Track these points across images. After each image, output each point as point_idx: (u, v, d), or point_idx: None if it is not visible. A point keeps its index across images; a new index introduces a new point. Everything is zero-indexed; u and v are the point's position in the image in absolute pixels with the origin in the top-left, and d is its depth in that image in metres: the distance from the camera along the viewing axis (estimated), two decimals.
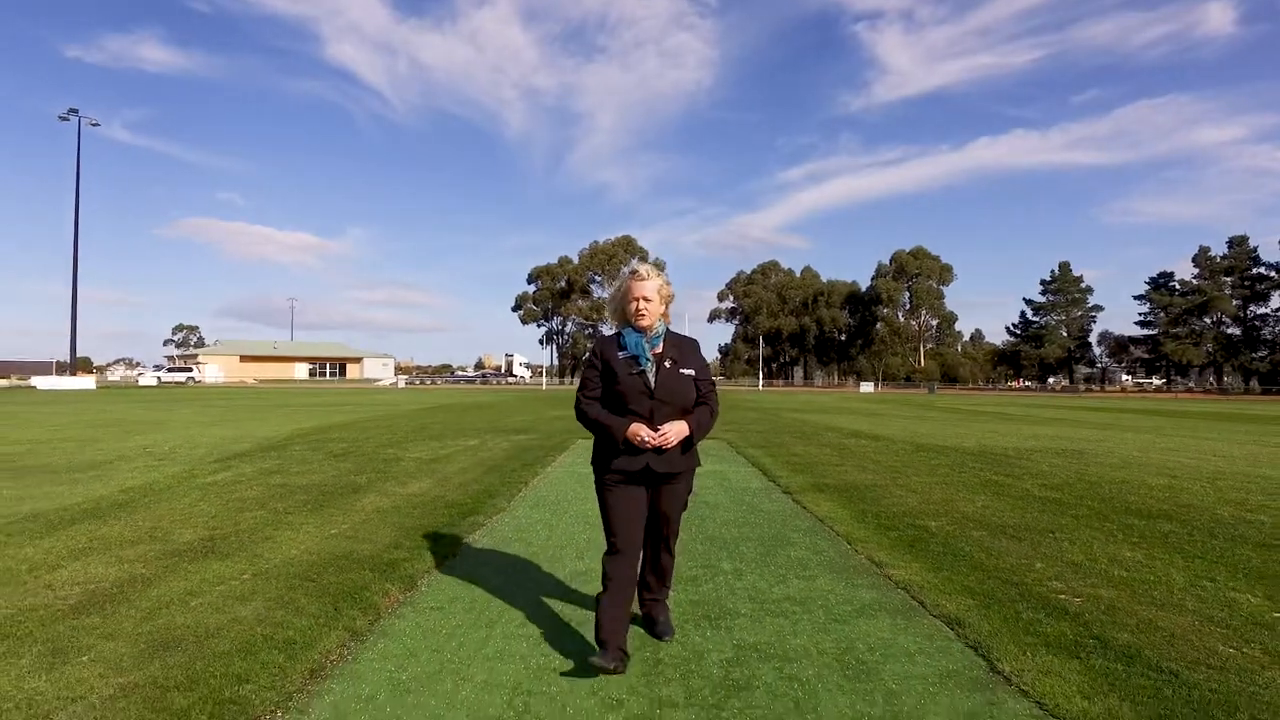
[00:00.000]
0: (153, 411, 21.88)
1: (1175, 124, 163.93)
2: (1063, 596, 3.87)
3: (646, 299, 3.01)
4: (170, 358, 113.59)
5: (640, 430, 2.90)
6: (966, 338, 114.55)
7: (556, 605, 3.76)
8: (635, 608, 3.22)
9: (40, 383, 50.91)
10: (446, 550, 4.84)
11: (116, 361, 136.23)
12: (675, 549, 3.30)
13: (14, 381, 57.21)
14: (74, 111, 53.77)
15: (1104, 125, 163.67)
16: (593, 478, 3.13)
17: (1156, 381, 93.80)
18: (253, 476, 8.05)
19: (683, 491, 3.13)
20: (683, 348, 3.09)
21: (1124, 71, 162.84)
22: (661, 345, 3.04)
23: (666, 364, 3.00)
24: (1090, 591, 3.97)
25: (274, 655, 2.97)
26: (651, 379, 2.96)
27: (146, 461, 9.43)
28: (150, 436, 13.09)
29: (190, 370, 69.75)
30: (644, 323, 3.02)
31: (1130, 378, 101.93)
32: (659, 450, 2.93)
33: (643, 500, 3.03)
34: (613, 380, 2.98)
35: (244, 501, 6.49)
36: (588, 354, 3.24)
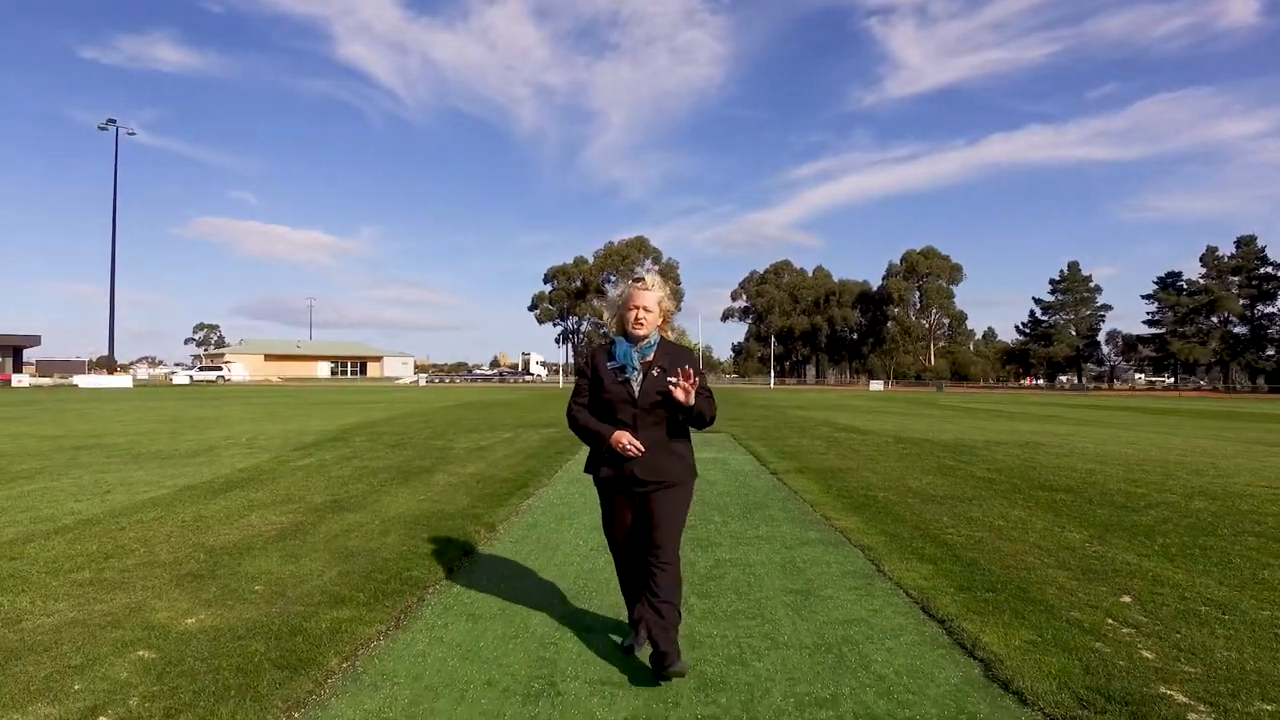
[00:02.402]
0: (203, 408, 23.79)
1: (1194, 118, 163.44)
2: (949, 536, 5.55)
3: (646, 309, 3.03)
4: (197, 356, 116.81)
5: (622, 437, 2.94)
6: (979, 336, 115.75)
7: (596, 536, 5.49)
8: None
9: (81, 381, 53.38)
10: (510, 510, 6.58)
11: (140, 360, 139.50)
12: (677, 564, 3.09)
13: (56, 380, 59.79)
14: (112, 121, 56.52)
15: (1121, 120, 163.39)
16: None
17: (1169, 380, 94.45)
18: (335, 461, 9.83)
19: (676, 501, 3.05)
20: (674, 357, 3.06)
21: (1142, 65, 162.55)
22: (653, 355, 3.05)
23: (654, 372, 3.01)
24: (970, 533, 5.65)
25: (421, 560, 4.71)
26: (636, 388, 3.00)
27: (237, 450, 11.24)
28: (222, 430, 14.93)
29: (220, 369, 72.41)
30: (639, 332, 3.04)
31: (1143, 376, 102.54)
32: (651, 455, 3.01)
33: (629, 509, 3.12)
34: (599, 388, 3.05)
35: (342, 478, 8.26)
36: (579, 362, 3.35)
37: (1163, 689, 2.83)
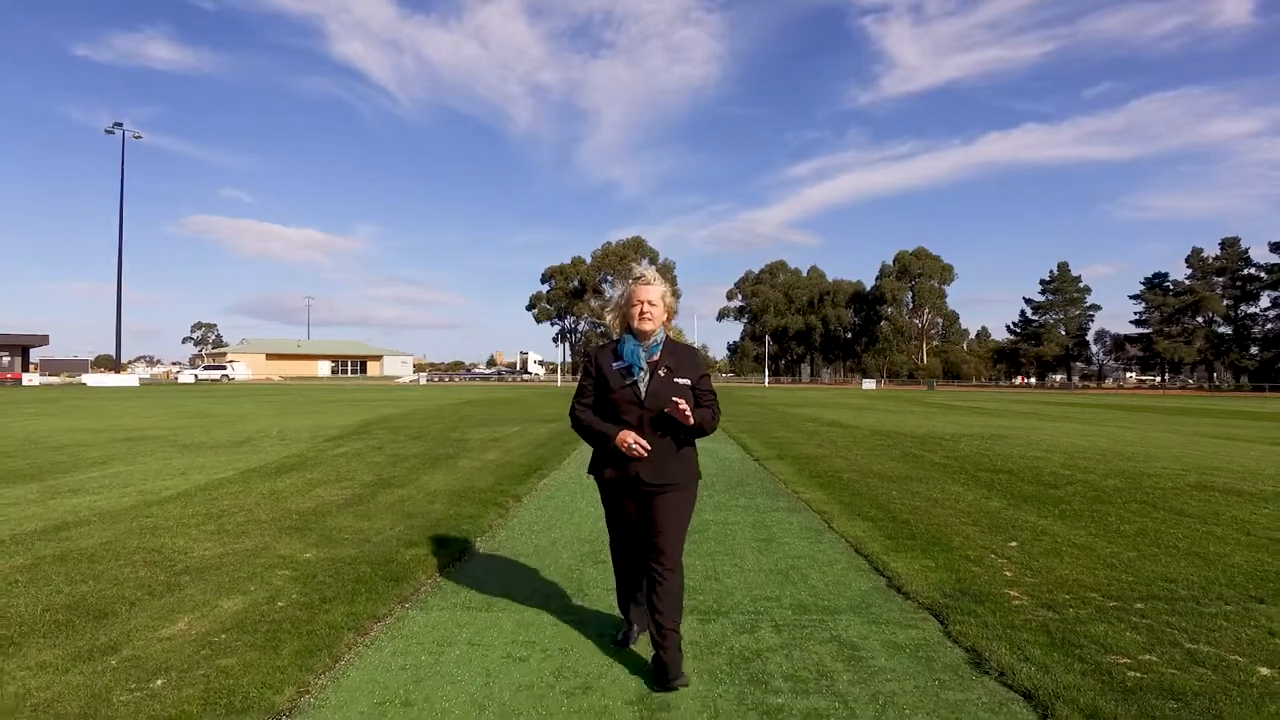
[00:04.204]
0: (221, 405, 24.93)
1: (1189, 117, 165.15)
2: (893, 505, 6.78)
3: (651, 303, 3.01)
4: (199, 355, 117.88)
5: (628, 437, 2.90)
6: (974, 335, 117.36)
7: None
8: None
9: (89, 380, 54.42)
10: (530, 486, 7.80)
11: (137, 359, 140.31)
12: (680, 569, 3.07)
13: (65, 379, 60.83)
14: (119, 125, 57.61)
15: (1116, 119, 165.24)
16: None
17: (1158, 379, 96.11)
18: (366, 451, 11.03)
19: (680, 504, 3.03)
20: (679, 356, 3.06)
21: (1137, 64, 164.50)
22: (659, 354, 3.03)
23: (661, 373, 2.98)
24: (911, 503, 6.88)
25: (467, 519, 5.93)
26: (643, 388, 2.96)
27: (273, 441, 12.42)
28: (250, 425, 16.11)
29: (224, 368, 73.60)
30: (647, 327, 3.00)
31: (1134, 375, 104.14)
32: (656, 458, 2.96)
33: (633, 512, 3.09)
34: (605, 389, 3.01)
35: (378, 464, 9.46)
36: (582, 362, 3.26)
37: (1004, 590, 4.07)
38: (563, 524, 5.95)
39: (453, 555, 4.83)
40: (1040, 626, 3.45)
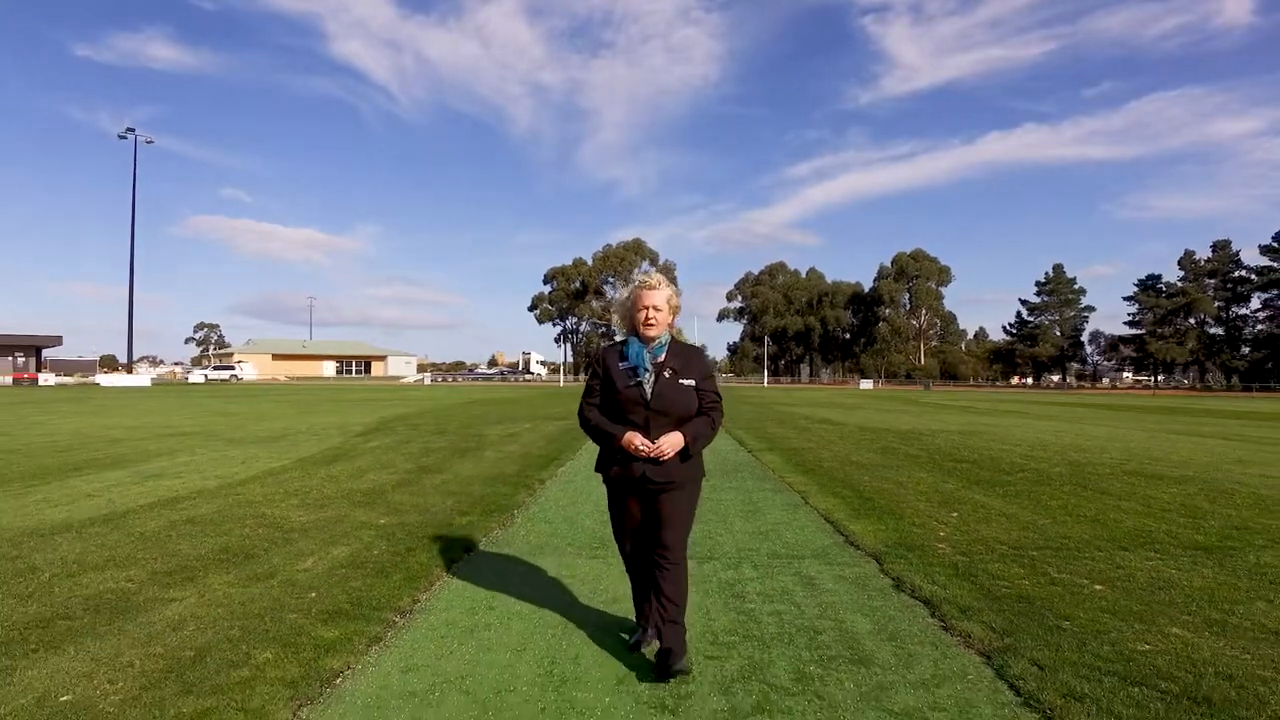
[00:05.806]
0: (240, 405, 26.05)
1: (1190, 117, 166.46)
2: (862, 486, 7.92)
3: (656, 308, 3.06)
4: (204, 355, 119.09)
5: (634, 439, 2.98)
6: (972, 335, 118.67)
7: None
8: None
9: (103, 380, 55.58)
10: (550, 473, 8.94)
11: (140, 359, 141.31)
12: (684, 564, 3.15)
13: (79, 379, 62.02)
14: (131, 130, 58.88)
15: (1117, 119, 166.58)
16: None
17: (1152, 379, 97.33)
18: (396, 445, 12.17)
19: (684, 501, 3.12)
20: (686, 358, 3.11)
21: (1138, 64, 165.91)
22: (664, 355, 3.08)
23: (666, 374, 3.03)
24: (878, 485, 8.02)
25: (502, 497, 7.07)
26: (648, 389, 3.02)
27: (308, 437, 13.55)
28: (278, 422, 17.24)
29: (233, 369, 74.94)
30: (651, 332, 3.07)
31: (1131, 375, 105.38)
32: (656, 460, 2.99)
33: (638, 509, 3.18)
34: (612, 390, 3.08)
35: (412, 455, 10.60)
36: (590, 362, 3.34)
37: (934, 544, 5.22)
38: (583, 500, 7.09)
39: (499, 521, 5.98)
40: (951, 565, 4.60)
